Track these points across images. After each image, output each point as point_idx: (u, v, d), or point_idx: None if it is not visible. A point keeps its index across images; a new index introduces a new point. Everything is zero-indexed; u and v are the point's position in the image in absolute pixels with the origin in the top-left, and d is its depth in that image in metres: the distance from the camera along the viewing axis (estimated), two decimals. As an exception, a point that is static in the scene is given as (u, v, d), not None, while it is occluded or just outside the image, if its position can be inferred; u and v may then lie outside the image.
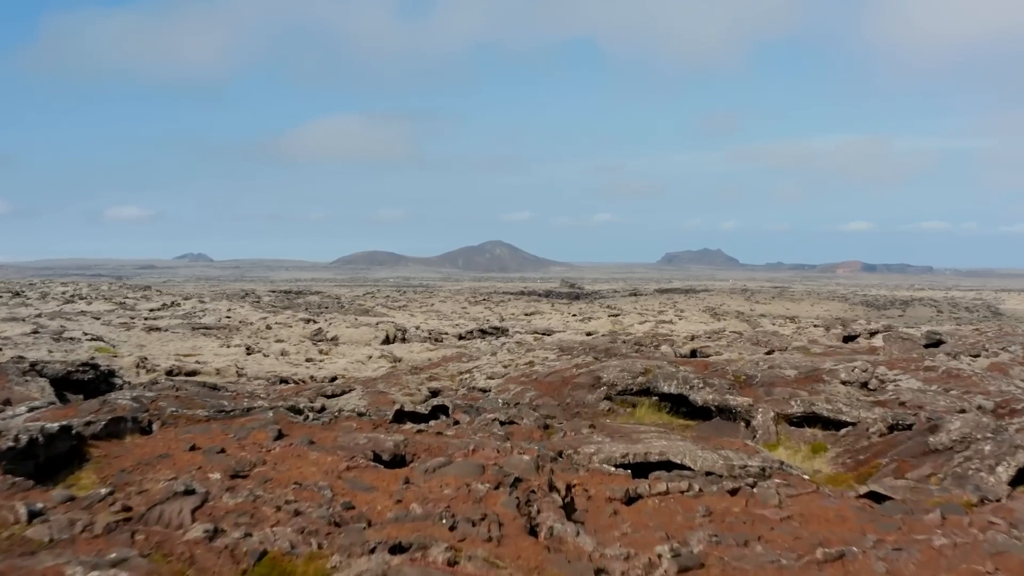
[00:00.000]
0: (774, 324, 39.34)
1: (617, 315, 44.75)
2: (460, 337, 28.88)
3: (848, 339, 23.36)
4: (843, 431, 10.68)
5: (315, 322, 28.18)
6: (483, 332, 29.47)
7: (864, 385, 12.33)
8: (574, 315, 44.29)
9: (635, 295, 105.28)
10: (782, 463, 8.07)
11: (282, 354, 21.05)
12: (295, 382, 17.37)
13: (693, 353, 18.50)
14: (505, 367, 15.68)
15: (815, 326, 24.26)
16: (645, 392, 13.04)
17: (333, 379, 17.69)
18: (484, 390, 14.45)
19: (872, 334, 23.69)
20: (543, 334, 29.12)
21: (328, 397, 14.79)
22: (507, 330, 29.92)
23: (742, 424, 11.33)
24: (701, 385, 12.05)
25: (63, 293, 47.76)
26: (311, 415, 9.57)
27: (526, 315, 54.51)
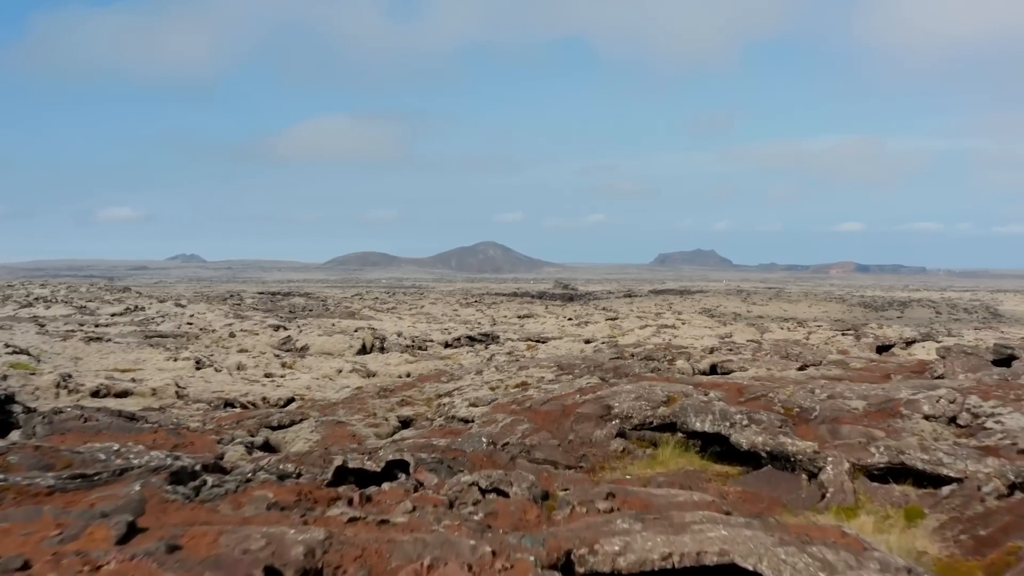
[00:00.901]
0: (782, 328, 36.56)
1: (615, 319, 41.87)
2: (446, 345, 26.00)
3: (882, 349, 20.56)
4: (945, 490, 7.83)
5: (285, 329, 25.25)
6: (471, 339, 26.56)
7: (952, 420, 9.49)
8: (569, 319, 41.37)
9: (630, 296, 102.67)
10: (910, 571, 5.23)
11: (238, 368, 18.11)
12: (243, 406, 14.43)
13: (713, 369, 15.66)
14: (493, 389, 12.76)
15: (843, 334, 21.48)
16: (669, 427, 10.16)
17: (289, 402, 14.76)
18: (466, 420, 11.54)
19: (908, 343, 20.90)
20: (537, 341, 26.22)
21: (274, 428, 11.87)
22: (498, 337, 27.00)
23: (803, 476, 8.46)
24: (745, 422, 9.16)
25: (27, 296, 44.63)
26: (209, 480, 6.68)
27: (519, 318, 51.57)
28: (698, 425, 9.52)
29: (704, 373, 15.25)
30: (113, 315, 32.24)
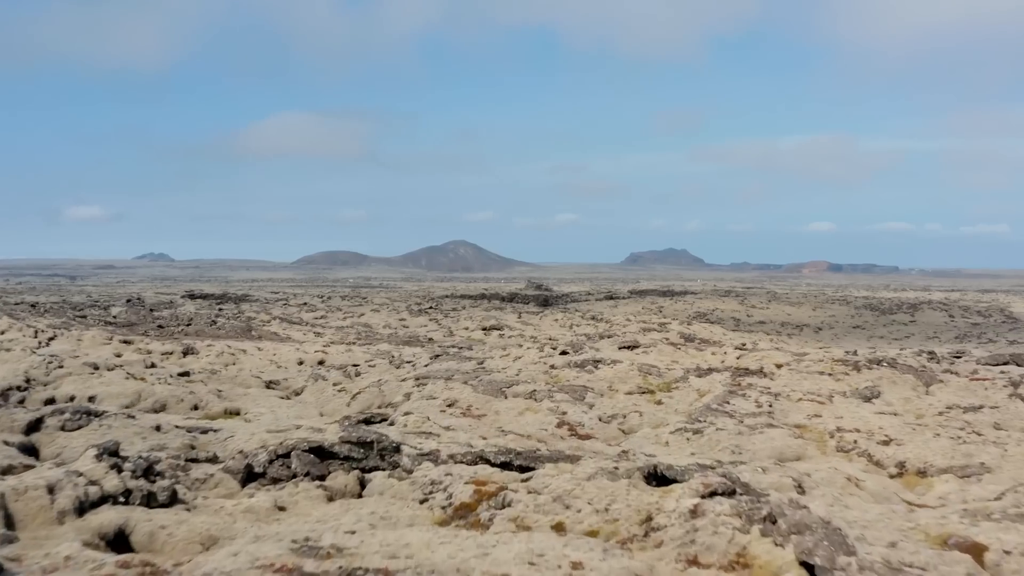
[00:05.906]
0: (950, 371, 19.84)
1: (633, 347, 24.15)
2: (248, 475, 8.35)
3: None
4: None
5: None
6: (358, 446, 8.60)
7: None
8: (562, 353, 23.43)
9: (612, 299, 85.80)
10: None
11: None
12: None
13: None
14: None
15: None
16: None
17: None
18: None
19: None
20: (502, 466, 8.31)
21: None
22: (399, 448, 8.76)
23: None
24: None
25: None
26: None
27: (484, 331, 34.19)
28: None
29: None
30: None
